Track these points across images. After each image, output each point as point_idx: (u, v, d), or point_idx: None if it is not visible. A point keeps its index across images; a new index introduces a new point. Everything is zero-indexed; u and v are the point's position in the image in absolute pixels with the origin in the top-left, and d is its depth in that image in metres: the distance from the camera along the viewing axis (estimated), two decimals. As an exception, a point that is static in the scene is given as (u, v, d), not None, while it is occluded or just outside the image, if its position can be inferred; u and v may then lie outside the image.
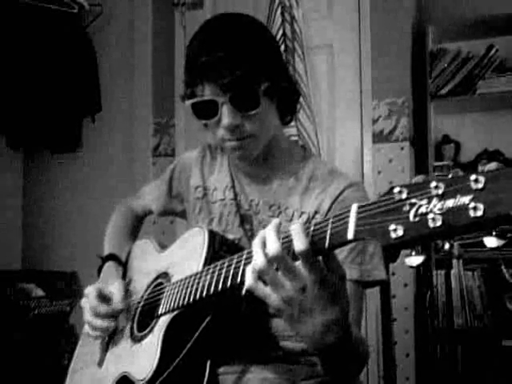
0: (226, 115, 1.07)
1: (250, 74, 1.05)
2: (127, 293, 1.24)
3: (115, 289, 1.21)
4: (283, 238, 0.77)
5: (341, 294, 0.79)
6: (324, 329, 0.79)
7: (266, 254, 0.77)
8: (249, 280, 0.79)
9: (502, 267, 2.46)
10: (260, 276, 0.78)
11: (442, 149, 2.76)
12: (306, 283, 0.75)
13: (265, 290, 0.78)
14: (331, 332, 0.80)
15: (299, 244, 0.73)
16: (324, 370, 0.96)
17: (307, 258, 0.74)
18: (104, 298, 1.20)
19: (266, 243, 0.77)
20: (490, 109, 2.72)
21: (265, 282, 0.78)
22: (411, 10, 2.68)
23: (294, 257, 0.75)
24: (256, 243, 0.79)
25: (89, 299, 1.20)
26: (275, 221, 0.79)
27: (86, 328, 1.22)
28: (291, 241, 0.75)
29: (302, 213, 1.16)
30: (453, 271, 2.48)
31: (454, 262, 2.47)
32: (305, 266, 0.75)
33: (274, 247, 0.75)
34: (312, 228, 0.76)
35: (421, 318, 2.50)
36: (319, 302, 0.77)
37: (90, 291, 1.21)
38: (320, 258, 0.76)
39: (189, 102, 1.11)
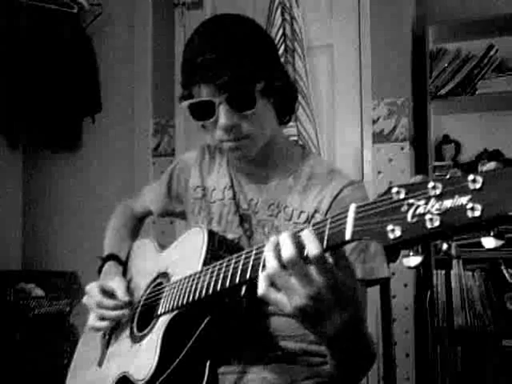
0: (222, 115, 1.07)
1: (246, 73, 1.05)
2: (128, 290, 1.24)
3: (116, 284, 1.22)
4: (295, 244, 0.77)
5: (356, 292, 0.80)
6: (342, 329, 0.79)
7: (279, 259, 0.76)
8: (261, 287, 0.79)
9: (502, 267, 2.46)
10: (273, 282, 0.78)
11: (442, 149, 2.76)
12: (319, 288, 0.75)
13: (277, 297, 0.78)
14: (348, 331, 0.81)
15: (313, 248, 0.73)
16: (335, 368, 0.96)
17: (320, 261, 0.74)
18: (107, 293, 1.20)
19: (279, 248, 0.77)
20: (490, 109, 2.71)
21: (277, 288, 0.78)
22: (411, 10, 2.68)
23: (306, 262, 0.75)
24: (268, 248, 0.79)
25: (92, 295, 1.20)
26: (290, 229, 0.79)
27: (91, 322, 1.22)
28: (303, 246, 0.75)
29: (302, 212, 1.16)
30: (453, 271, 2.48)
31: (454, 262, 2.47)
32: (317, 271, 0.75)
33: (289, 251, 0.75)
34: (310, 228, 0.76)
35: (421, 318, 2.50)
36: (336, 304, 0.77)
37: (93, 287, 1.22)
38: (331, 260, 0.76)
39: (186, 103, 1.11)
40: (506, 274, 2.45)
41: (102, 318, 1.20)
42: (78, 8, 2.92)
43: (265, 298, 0.79)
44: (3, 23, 2.84)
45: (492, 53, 2.57)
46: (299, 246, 0.76)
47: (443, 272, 2.48)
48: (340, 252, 0.77)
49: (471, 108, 2.72)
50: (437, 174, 2.56)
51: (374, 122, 2.59)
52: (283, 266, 0.76)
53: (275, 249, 0.78)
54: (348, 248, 1.05)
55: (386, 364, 1.38)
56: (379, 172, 2.57)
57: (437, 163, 2.62)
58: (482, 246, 0.62)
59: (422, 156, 2.62)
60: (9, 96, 2.87)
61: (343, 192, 1.14)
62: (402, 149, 2.54)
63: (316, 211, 1.14)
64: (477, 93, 2.55)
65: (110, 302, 1.19)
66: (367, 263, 1.09)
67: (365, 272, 1.09)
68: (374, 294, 1.34)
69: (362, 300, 1.08)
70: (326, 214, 1.13)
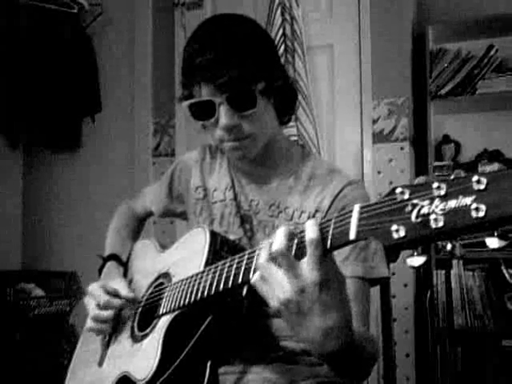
0: (223, 115, 1.07)
1: (246, 73, 1.05)
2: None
3: (118, 284, 1.22)
4: (295, 233, 0.78)
5: (343, 299, 0.79)
6: (324, 334, 0.78)
7: (270, 251, 0.77)
8: (254, 277, 0.80)
9: (503, 267, 2.46)
10: (261, 272, 0.79)
11: (442, 149, 2.76)
12: (305, 284, 0.75)
13: (265, 289, 0.79)
14: (332, 338, 0.78)
15: (310, 233, 0.74)
16: (331, 371, 0.96)
17: (317, 248, 0.74)
18: (109, 293, 1.20)
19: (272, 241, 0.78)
20: (490, 109, 2.72)
21: (265, 280, 0.78)
22: (411, 10, 2.68)
23: (299, 255, 0.75)
24: (265, 242, 0.80)
25: (95, 295, 1.20)
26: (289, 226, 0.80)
27: (89, 323, 1.22)
28: (299, 238, 0.75)
29: (302, 212, 1.16)
30: (453, 271, 2.48)
31: (454, 261, 2.47)
32: (310, 263, 0.74)
33: (278, 242, 0.76)
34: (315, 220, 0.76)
35: (421, 318, 2.50)
36: (319, 305, 0.76)
37: (95, 288, 1.21)
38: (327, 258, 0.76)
39: (186, 103, 1.11)
40: (506, 274, 2.45)
41: (102, 320, 1.20)
42: (78, 8, 2.92)
43: (255, 288, 0.80)
44: (3, 23, 2.84)
45: (492, 53, 2.57)
46: (293, 239, 0.77)
47: (443, 272, 2.48)
48: (333, 258, 0.77)
49: (471, 108, 2.73)
50: (437, 173, 2.56)
51: (374, 121, 2.59)
52: (272, 258, 0.77)
53: (269, 243, 0.79)
54: (348, 247, 1.06)
55: (386, 364, 1.38)
56: (379, 172, 2.57)
57: (437, 163, 2.62)
58: (483, 246, 0.62)
59: (422, 156, 2.62)
60: (9, 96, 2.87)
61: (344, 191, 1.14)
62: (402, 149, 2.55)
63: (317, 211, 1.15)
64: (477, 93, 2.55)
65: (117, 302, 1.18)
66: (367, 262, 1.09)
67: (365, 270, 1.09)
68: (374, 294, 1.34)
69: (363, 299, 1.08)
70: (326, 212, 1.13)
